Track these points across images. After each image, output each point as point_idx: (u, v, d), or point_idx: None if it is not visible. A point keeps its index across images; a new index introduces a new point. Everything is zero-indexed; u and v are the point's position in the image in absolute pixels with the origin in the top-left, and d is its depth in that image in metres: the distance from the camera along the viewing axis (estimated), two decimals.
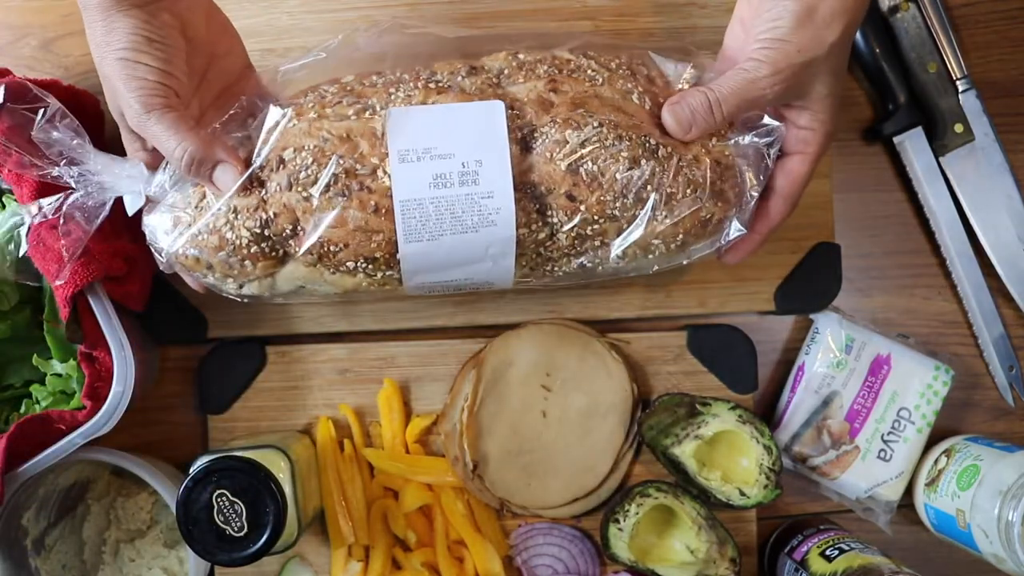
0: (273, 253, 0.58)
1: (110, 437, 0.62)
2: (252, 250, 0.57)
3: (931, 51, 0.74)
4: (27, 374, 0.68)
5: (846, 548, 0.66)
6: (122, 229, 0.66)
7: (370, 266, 0.58)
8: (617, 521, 0.69)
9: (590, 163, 0.57)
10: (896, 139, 0.75)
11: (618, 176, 0.57)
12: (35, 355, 0.65)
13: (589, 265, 0.61)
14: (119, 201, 0.59)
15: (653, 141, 0.58)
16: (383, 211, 0.56)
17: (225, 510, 0.58)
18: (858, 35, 0.74)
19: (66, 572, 0.70)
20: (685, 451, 0.70)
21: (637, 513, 0.68)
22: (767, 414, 0.75)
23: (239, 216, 0.57)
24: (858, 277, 0.76)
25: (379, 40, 0.63)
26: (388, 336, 0.73)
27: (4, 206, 0.64)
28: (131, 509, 0.72)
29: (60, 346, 0.64)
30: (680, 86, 0.61)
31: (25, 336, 0.67)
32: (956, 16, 0.76)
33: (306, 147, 0.56)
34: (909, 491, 0.73)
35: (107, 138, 0.71)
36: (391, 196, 0.56)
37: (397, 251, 0.57)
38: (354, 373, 0.72)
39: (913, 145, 0.75)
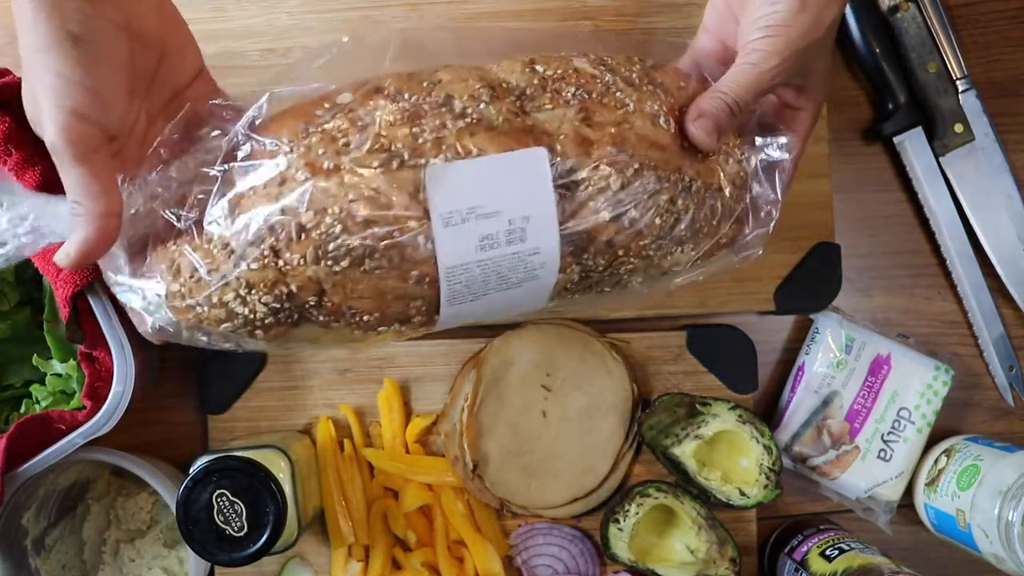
0: (289, 320, 0.51)
1: (110, 437, 0.62)
2: (267, 322, 0.50)
3: (931, 51, 0.74)
4: (27, 374, 0.68)
5: (846, 548, 0.66)
6: None
7: (403, 326, 0.53)
8: (617, 521, 0.69)
9: (632, 209, 0.53)
10: (896, 139, 0.75)
11: (657, 221, 0.54)
12: (35, 355, 0.65)
13: (608, 290, 0.58)
14: None
15: (687, 178, 0.55)
16: (426, 280, 0.50)
17: (225, 510, 0.58)
18: (858, 35, 0.74)
19: (66, 572, 0.70)
20: (685, 451, 0.70)
21: (637, 513, 0.68)
22: (767, 414, 0.75)
23: (253, 291, 0.49)
24: (858, 277, 0.76)
25: (365, 47, 0.56)
26: None
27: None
28: (131, 509, 0.72)
29: (60, 346, 0.64)
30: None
31: (25, 336, 0.67)
32: (956, 16, 0.76)
33: (330, 211, 0.47)
34: (909, 491, 0.73)
35: None
36: (435, 264, 0.49)
37: (436, 311, 0.52)
38: (354, 373, 0.72)
39: (913, 145, 0.75)
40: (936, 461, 0.72)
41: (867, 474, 0.72)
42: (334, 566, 0.70)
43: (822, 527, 0.71)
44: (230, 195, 0.48)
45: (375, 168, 0.48)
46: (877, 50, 0.74)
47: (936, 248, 0.76)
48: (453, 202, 0.49)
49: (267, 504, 0.59)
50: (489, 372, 0.71)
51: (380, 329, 0.52)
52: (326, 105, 0.50)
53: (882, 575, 0.62)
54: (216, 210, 0.48)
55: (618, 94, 0.55)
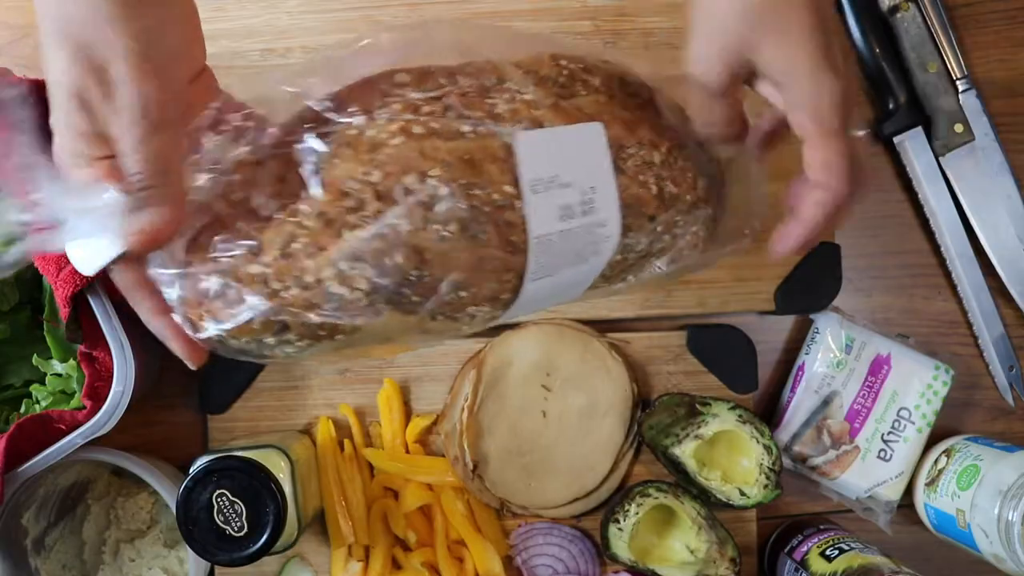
0: (376, 303, 0.47)
1: (110, 437, 0.62)
2: (359, 305, 0.46)
3: (931, 51, 0.74)
4: (27, 374, 0.68)
5: (846, 548, 0.66)
6: None
7: (485, 308, 0.50)
8: (617, 521, 0.69)
9: (670, 184, 0.53)
10: (896, 139, 0.75)
11: (688, 197, 0.54)
12: (35, 355, 0.65)
13: (631, 279, 0.57)
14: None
15: (705, 158, 0.55)
16: (519, 248, 0.48)
17: (225, 510, 0.58)
18: (858, 35, 0.74)
19: (66, 572, 0.70)
20: (685, 451, 0.70)
21: (637, 513, 0.68)
22: (767, 414, 0.75)
23: (356, 266, 0.44)
24: (858, 277, 0.76)
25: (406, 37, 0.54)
26: None
27: None
28: (131, 509, 0.72)
29: (60, 346, 0.64)
30: None
31: (25, 336, 0.67)
32: (956, 16, 0.76)
33: (430, 173, 0.45)
34: (909, 491, 0.73)
35: None
36: (525, 231, 0.48)
37: (519, 288, 0.50)
38: (354, 373, 0.72)
39: (913, 145, 0.75)
40: (936, 461, 0.72)
41: (867, 474, 0.72)
42: (334, 566, 0.70)
43: (822, 527, 0.71)
44: (323, 166, 0.45)
45: (466, 135, 0.47)
46: (877, 50, 0.74)
47: (936, 248, 0.76)
48: (538, 169, 0.48)
49: (267, 504, 0.59)
50: (489, 372, 0.71)
51: (469, 310, 0.49)
52: (395, 79, 0.49)
53: (882, 575, 0.62)
54: (312, 183, 0.45)
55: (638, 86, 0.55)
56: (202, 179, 0.45)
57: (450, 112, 0.48)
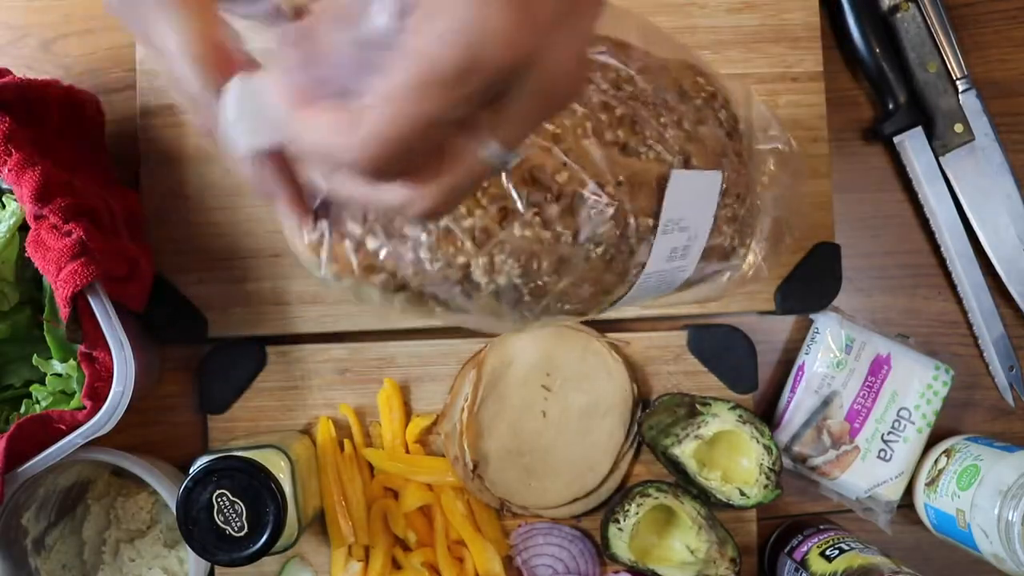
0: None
1: (110, 437, 0.61)
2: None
3: (931, 51, 0.74)
4: (27, 374, 0.68)
5: (846, 548, 0.66)
6: (122, 229, 0.66)
7: (561, 316, 0.50)
8: (617, 521, 0.69)
9: (737, 238, 0.53)
10: (896, 139, 0.75)
11: (744, 252, 0.54)
12: (35, 355, 0.65)
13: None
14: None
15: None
16: (628, 278, 0.47)
17: (225, 510, 0.58)
18: (858, 35, 0.74)
19: (66, 572, 0.70)
20: (685, 451, 0.70)
21: (637, 513, 0.68)
22: (767, 414, 0.75)
23: (509, 261, 0.44)
24: (858, 277, 0.76)
25: None
26: (388, 336, 0.73)
27: (4, 206, 0.64)
28: (131, 509, 0.72)
29: (60, 346, 0.64)
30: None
31: (25, 336, 0.67)
32: (956, 16, 0.76)
33: (606, 189, 0.44)
34: (909, 491, 0.73)
35: (108, 139, 0.71)
36: (641, 265, 0.47)
37: (601, 310, 0.50)
38: (354, 373, 0.72)
39: (913, 145, 0.75)
40: (936, 461, 0.72)
41: (867, 474, 0.72)
42: (334, 566, 0.70)
43: (822, 527, 0.71)
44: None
45: (641, 152, 0.46)
46: (877, 50, 0.74)
47: (936, 248, 0.76)
48: (674, 210, 0.47)
49: (267, 504, 0.59)
50: (489, 372, 0.71)
51: (551, 314, 0.48)
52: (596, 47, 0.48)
53: (882, 575, 0.62)
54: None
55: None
56: None
57: (637, 125, 0.46)
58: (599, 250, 0.44)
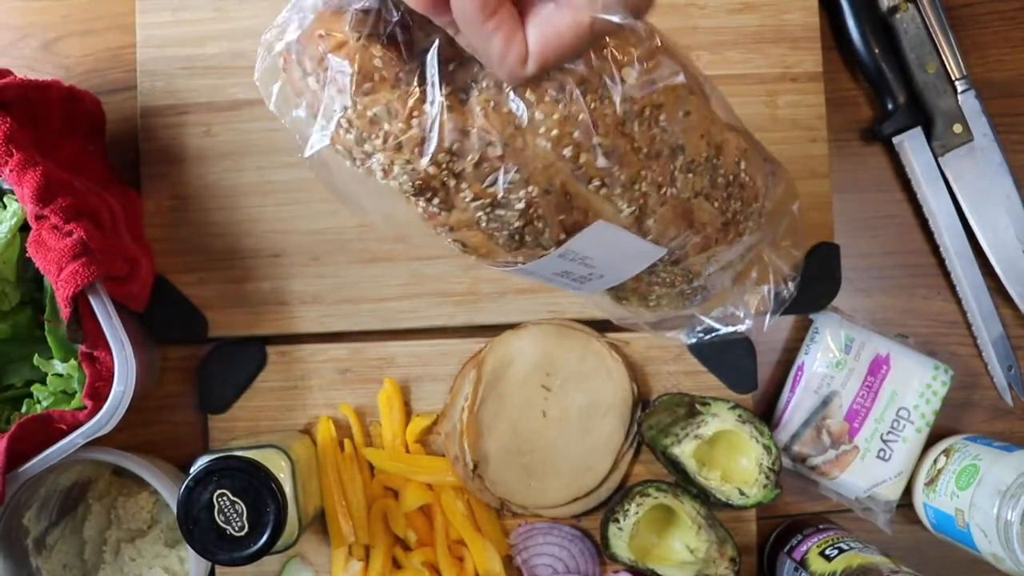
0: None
1: (111, 437, 0.62)
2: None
3: (930, 51, 0.74)
4: (28, 374, 0.68)
5: (845, 548, 0.67)
6: (122, 229, 0.66)
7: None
8: (617, 521, 0.69)
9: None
10: (895, 139, 0.75)
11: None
12: (36, 355, 0.65)
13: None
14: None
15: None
16: (512, 247, 0.50)
17: (226, 510, 0.59)
18: (857, 35, 0.74)
19: (67, 571, 0.70)
20: (685, 451, 0.70)
21: (637, 513, 0.69)
22: (767, 414, 0.75)
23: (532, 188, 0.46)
24: (858, 277, 0.76)
25: None
26: (388, 336, 0.73)
27: (5, 206, 0.64)
28: (132, 509, 0.72)
29: (61, 346, 0.64)
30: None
31: (26, 336, 0.67)
32: (955, 16, 0.76)
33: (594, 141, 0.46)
34: (908, 491, 0.73)
35: (108, 139, 0.72)
36: (532, 256, 0.51)
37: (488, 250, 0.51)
38: (354, 373, 0.73)
39: (912, 145, 0.75)
40: (935, 461, 0.72)
41: (866, 474, 0.72)
42: (334, 566, 0.70)
43: (821, 527, 0.72)
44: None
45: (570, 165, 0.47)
46: (876, 50, 0.74)
47: (935, 248, 0.76)
48: (582, 247, 0.50)
49: (267, 504, 0.59)
50: (489, 372, 0.71)
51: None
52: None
53: (881, 574, 0.62)
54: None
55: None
56: None
57: (614, 156, 0.47)
58: (494, 225, 0.47)
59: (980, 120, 0.74)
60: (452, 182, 0.46)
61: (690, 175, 0.51)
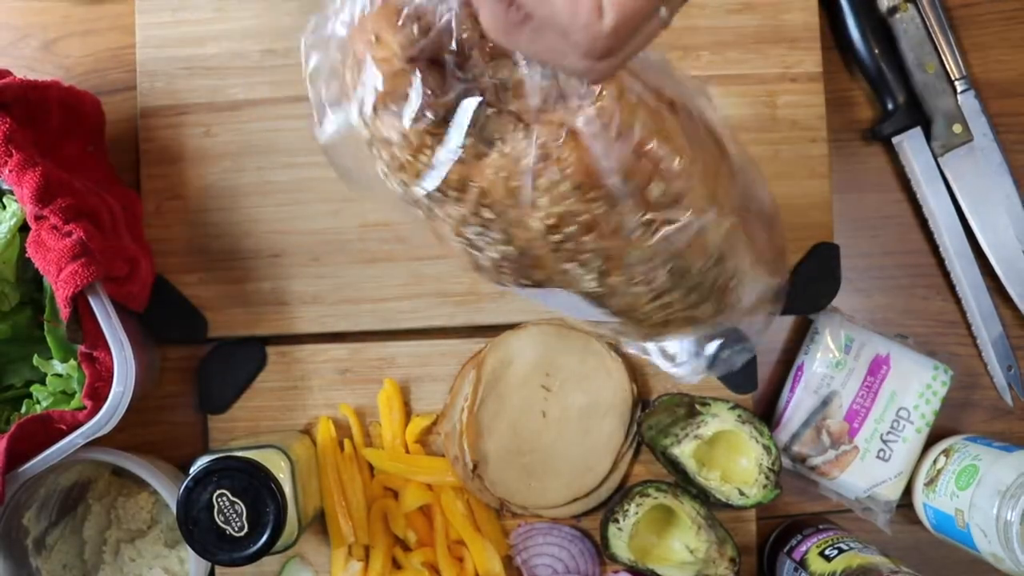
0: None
1: (111, 437, 0.62)
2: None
3: (930, 51, 0.74)
4: (28, 374, 0.68)
5: (845, 548, 0.67)
6: (122, 229, 0.66)
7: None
8: (617, 521, 0.69)
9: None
10: (895, 139, 0.75)
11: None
12: (36, 355, 0.65)
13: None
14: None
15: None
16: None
17: (225, 510, 0.59)
18: (857, 36, 0.74)
19: (67, 571, 0.70)
20: (684, 451, 0.70)
21: (637, 513, 0.69)
22: (766, 414, 0.75)
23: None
24: (858, 277, 0.76)
25: None
26: (388, 336, 0.73)
27: (5, 207, 0.64)
28: (132, 509, 0.72)
29: (61, 346, 0.64)
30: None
31: (26, 336, 0.67)
32: (955, 16, 0.76)
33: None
34: (908, 491, 0.73)
35: (108, 139, 0.72)
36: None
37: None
38: (354, 373, 0.73)
39: (912, 145, 0.75)
40: (935, 461, 0.72)
41: (866, 474, 0.72)
42: (334, 566, 0.70)
43: (821, 527, 0.72)
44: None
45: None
46: (876, 51, 0.74)
47: (935, 248, 0.76)
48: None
49: (267, 504, 0.59)
50: (489, 372, 0.71)
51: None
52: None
53: (881, 575, 0.62)
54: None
55: None
56: None
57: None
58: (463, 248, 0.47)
59: (980, 120, 0.74)
60: (439, 211, 0.46)
61: (672, 276, 0.48)
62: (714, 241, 0.48)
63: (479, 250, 0.47)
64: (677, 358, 0.61)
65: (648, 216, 0.44)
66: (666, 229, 0.45)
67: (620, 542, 0.69)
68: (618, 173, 0.42)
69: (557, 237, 0.44)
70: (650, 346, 0.62)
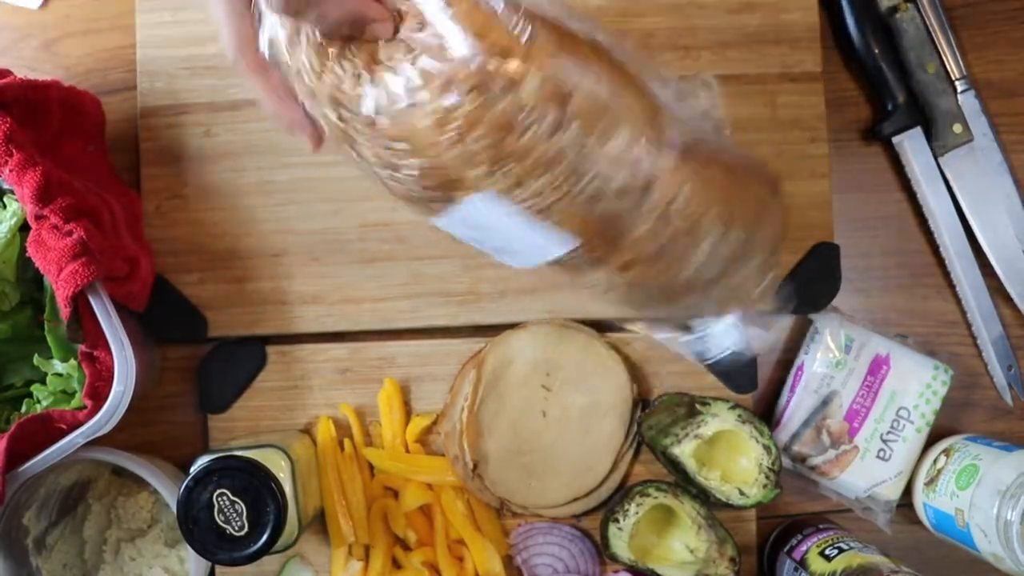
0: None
1: (111, 437, 0.62)
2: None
3: (930, 51, 0.74)
4: (28, 374, 0.68)
5: (845, 547, 0.67)
6: (122, 228, 0.66)
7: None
8: (617, 521, 0.69)
9: None
10: (895, 139, 0.75)
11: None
12: (36, 355, 0.65)
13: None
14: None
15: None
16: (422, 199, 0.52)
17: (226, 509, 0.59)
18: (857, 35, 0.74)
19: (67, 571, 0.70)
20: (685, 451, 0.70)
21: (637, 512, 0.69)
22: (767, 414, 0.75)
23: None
24: (858, 277, 0.76)
25: None
26: (388, 336, 0.73)
27: (5, 206, 0.64)
28: (132, 508, 0.72)
29: (61, 346, 0.64)
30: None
31: (26, 336, 0.67)
32: (955, 16, 0.76)
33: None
34: (908, 490, 0.73)
35: (108, 139, 0.72)
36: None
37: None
38: (354, 373, 0.73)
39: (912, 145, 0.75)
40: (935, 461, 0.72)
41: (866, 474, 0.72)
42: (334, 565, 0.70)
43: (821, 526, 0.72)
44: None
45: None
46: (876, 50, 0.74)
47: (935, 248, 0.76)
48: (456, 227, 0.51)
49: (267, 504, 0.59)
50: (489, 372, 0.71)
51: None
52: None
53: (881, 574, 0.62)
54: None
55: None
56: None
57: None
58: (394, 185, 0.49)
59: (980, 120, 0.74)
60: (358, 138, 0.48)
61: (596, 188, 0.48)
62: (632, 157, 0.48)
63: (396, 170, 0.48)
64: (694, 328, 0.61)
65: (531, 115, 0.45)
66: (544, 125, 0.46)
67: (620, 542, 0.69)
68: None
69: (449, 135, 0.45)
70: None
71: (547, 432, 0.71)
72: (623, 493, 0.70)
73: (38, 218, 0.59)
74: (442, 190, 0.48)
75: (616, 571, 0.71)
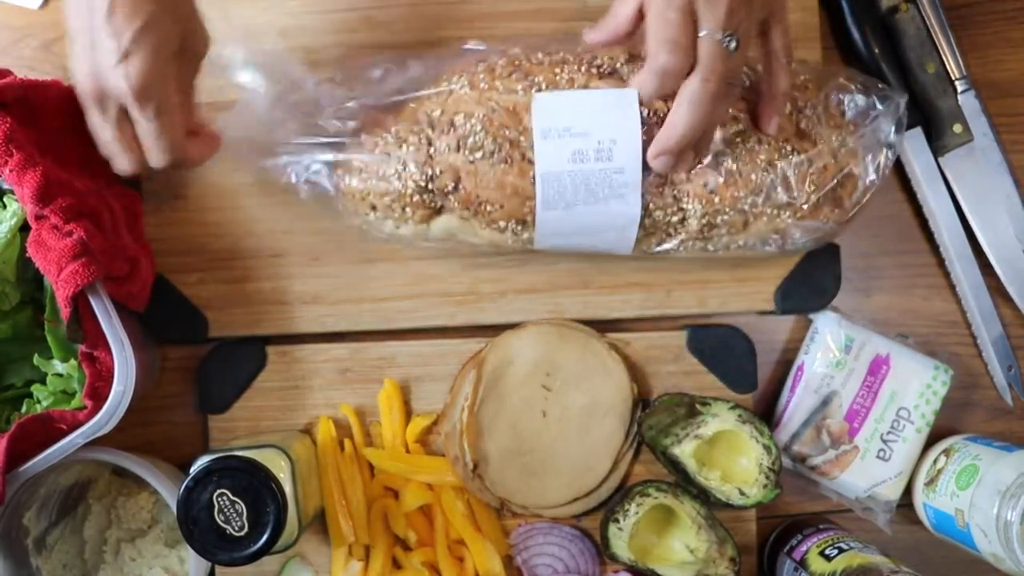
0: (432, 204, 0.64)
1: (111, 437, 0.62)
2: (414, 199, 0.64)
3: (930, 51, 0.74)
4: (28, 374, 0.68)
5: (845, 547, 0.67)
6: (122, 229, 0.66)
7: (519, 226, 0.64)
8: (617, 521, 0.69)
9: (730, 160, 0.62)
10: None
11: (754, 176, 0.63)
12: (36, 355, 0.65)
13: (712, 249, 0.66)
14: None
15: (789, 147, 0.63)
16: (533, 180, 0.62)
17: (226, 510, 0.59)
18: (857, 35, 0.74)
19: (67, 571, 0.70)
20: (685, 451, 0.70)
21: (637, 513, 0.69)
22: (767, 414, 0.75)
23: (407, 168, 0.63)
24: (858, 277, 0.76)
25: None
26: (388, 336, 0.73)
27: (5, 206, 0.64)
28: (132, 508, 0.72)
29: (61, 346, 0.64)
30: None
31: (26, 336, 0.67)
32: (955, 16, 0.76)
33: (476, 115, 0.62)
34: (908, 491, 0.73)
35: None
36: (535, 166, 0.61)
37: (536, 213, 0.63)
38: (354, 373, 0.73)
39: (912, 145, 0.75)
40: (935, 461, 0.72)
41: (866, 474, 0.72)
42: (334, 565, 0.70)
43: (821, 526, 0.72)
44: (411, 105, 0.65)
45: (518, 92, 0.63)
46: (876, 50, 0.74)
47: (935, 248, 0.76)
48: (550, 121, 0.61)
49: (267, 504, 0.59)
50: (489, 372, 0.71)
51: (500, 224, 0.64)
52: (501, 54, 0.66)
53: (881, 574, 0.62)
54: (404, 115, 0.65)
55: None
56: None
57: (515, 75, 0.63)
58: (478, 155, 0.62)
59: (980, 120, 0.74)
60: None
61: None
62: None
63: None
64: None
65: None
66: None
67: (620, 542, 0.69)
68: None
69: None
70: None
71: (547, 432, 0.71)
72: (623, 493, 0.70)
73: (38, 218, 0.59)
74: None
75: (616, 571, 0.71)
